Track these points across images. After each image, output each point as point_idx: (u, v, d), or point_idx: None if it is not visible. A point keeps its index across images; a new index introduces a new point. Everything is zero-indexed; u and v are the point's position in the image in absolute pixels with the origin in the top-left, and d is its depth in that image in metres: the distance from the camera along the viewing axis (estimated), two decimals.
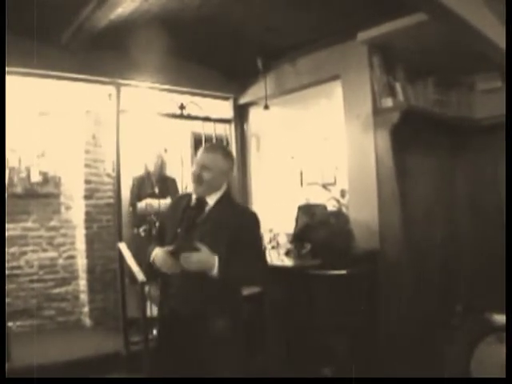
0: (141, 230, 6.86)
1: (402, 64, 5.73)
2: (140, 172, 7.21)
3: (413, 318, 5.06)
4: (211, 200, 3.28)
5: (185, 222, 3.25)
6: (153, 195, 6.89)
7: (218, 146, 3.47)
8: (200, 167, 3.25)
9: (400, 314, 5.06)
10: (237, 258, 3.08)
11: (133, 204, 7.04)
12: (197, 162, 3.30)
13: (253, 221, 3.36)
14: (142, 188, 7.07)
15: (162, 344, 3.27)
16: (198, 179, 3.24)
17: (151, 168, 7.18)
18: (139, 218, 7.00)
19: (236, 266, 3.08)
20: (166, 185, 7.16)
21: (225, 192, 3.37)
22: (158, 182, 7.00)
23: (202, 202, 3.28)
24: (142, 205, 6.93)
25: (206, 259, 2.98)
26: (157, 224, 3.62)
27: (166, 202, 6.69)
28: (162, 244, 3.28)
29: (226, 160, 3.35)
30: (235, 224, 3.20)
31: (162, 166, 7.21)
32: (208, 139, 7.18)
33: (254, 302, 4.85)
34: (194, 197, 3.32)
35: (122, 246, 5.77)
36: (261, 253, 3.56)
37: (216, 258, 2.98)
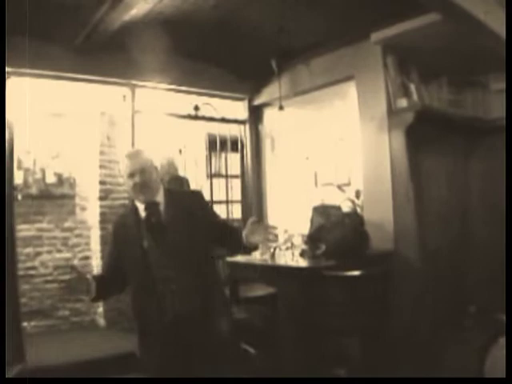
0: None
1: (416, 64, 5.71)
2: None
3: (426, 318, 5.04)
4: (160, 197, 3.31)
5: (149, 232, 3.22)
6: None
7: (134, 150, 3.48)
8: (139, 174, 3.24)
9: (414, 314, 5.04)
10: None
11: None
12: (132, 171, 3.27)
13: (203, 196, 3.57)
14: None
15: (169, 349, 3.20)
16: (143, 186, 3.23)
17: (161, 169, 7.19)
18: None
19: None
20: (178, 185, 7.16)
21: (163, 185, 3.45)
22: (170, 182, 7.00)
23: (154, 204, 3.27)
24: None
25: None
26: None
27: None
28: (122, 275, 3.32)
29: (150, 158, 3.41)
30: (192, 205, 3.36)
31: (170, 167, 7.20)
32: (222, 140, 7.20)
33: (268, 302, 4.85)
34: (143, 207, 3.29)
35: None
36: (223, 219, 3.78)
37: None
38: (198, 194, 3.59)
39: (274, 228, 3.41)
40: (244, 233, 3.21)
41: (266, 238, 3.26)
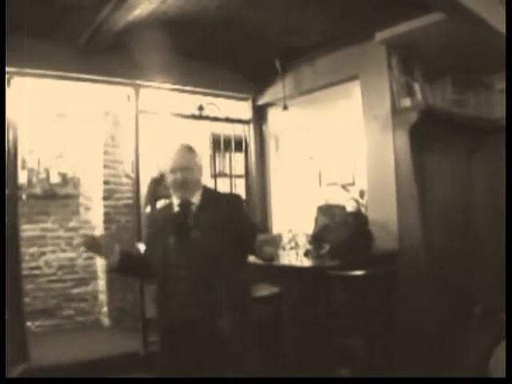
0: None
1: (420, 64, 5.70)
2: (155, 173, 7.19)
3: (431, 319, 5.03)
4: (196, 199, 3.26)
5: (175, 232, 3.18)
6: (168, 196, 6.89)
7: (185, 145, 3.40)
8: (182, 171, 3.22)
9: (418, 314, 5.03)
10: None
11: (150, 204, 7.03)
12: (175, 166, 3.25)
13: (241, 201, 3.52)
14: (157, 188, 7.05)
15: (177, 351, 3.18)
16: (183, 184, 3.22)
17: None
18: None
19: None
20: None
21: (204, 185, 3.41)
22: None
23: (187, 204, 3.24)
24: (158, 205, 6.92)
25: None
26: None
27: None
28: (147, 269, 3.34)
29: (197, 155, 3.41)
30: (227, 209, 3.25)
31: None
32: (226, 140, 7.19)
33: (272, 302, 4.84)
34: (176, 203, 3.28)
35: (141, 247, 5.77)
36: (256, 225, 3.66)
37: None
38: (236, 199, 3.57)
39: (281, 238, 3.39)
40: (256, 246, 3.15)
41: (277, 249, 3.23)
